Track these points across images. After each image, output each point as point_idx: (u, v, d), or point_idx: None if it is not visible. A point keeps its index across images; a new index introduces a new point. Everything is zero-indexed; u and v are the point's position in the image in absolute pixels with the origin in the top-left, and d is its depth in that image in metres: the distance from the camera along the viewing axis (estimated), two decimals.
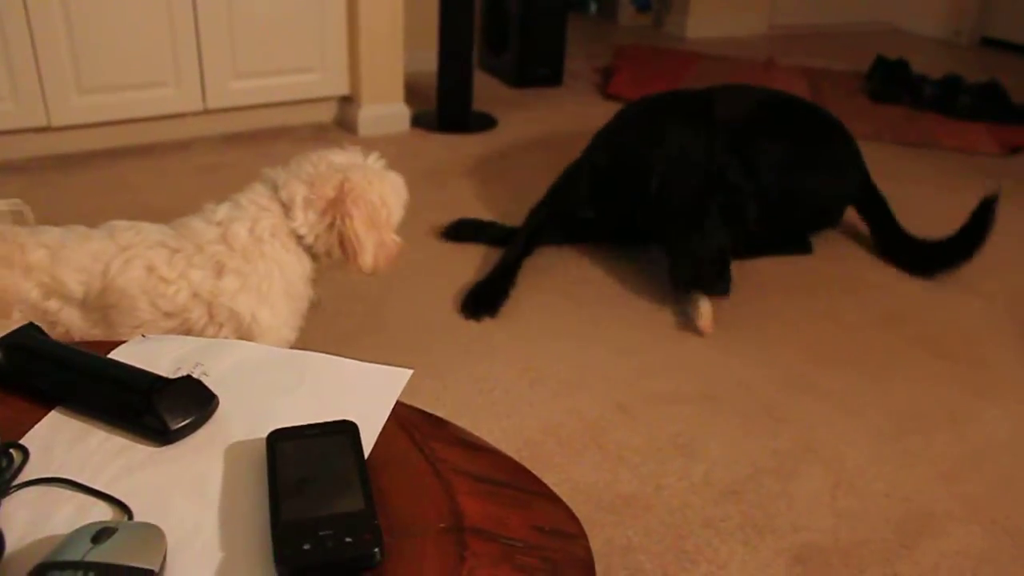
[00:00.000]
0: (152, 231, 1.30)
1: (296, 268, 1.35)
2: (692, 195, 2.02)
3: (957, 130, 3.45)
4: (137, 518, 0.62)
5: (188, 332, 1.28)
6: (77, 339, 1.26)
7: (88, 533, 0.57)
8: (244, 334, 1.30)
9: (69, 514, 0.62)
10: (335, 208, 1.31)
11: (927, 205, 2.75)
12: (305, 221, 1.32)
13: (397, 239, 1.40)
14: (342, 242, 1.33)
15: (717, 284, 1.97)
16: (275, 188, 1.34)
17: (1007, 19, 4.92)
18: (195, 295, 1.27)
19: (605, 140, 2.36)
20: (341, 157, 1.37)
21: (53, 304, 1.26)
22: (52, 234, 1.28)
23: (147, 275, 1.26)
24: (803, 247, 2.41)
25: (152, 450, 0.69)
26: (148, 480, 0.66)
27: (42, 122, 2.60)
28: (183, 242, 1.29)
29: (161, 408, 0.70)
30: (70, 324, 1.27)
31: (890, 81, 3.83)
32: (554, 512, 0.76)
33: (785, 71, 4.21)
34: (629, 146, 2.22)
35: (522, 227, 2.32)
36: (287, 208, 1.33)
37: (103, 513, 0.63)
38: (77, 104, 2.64)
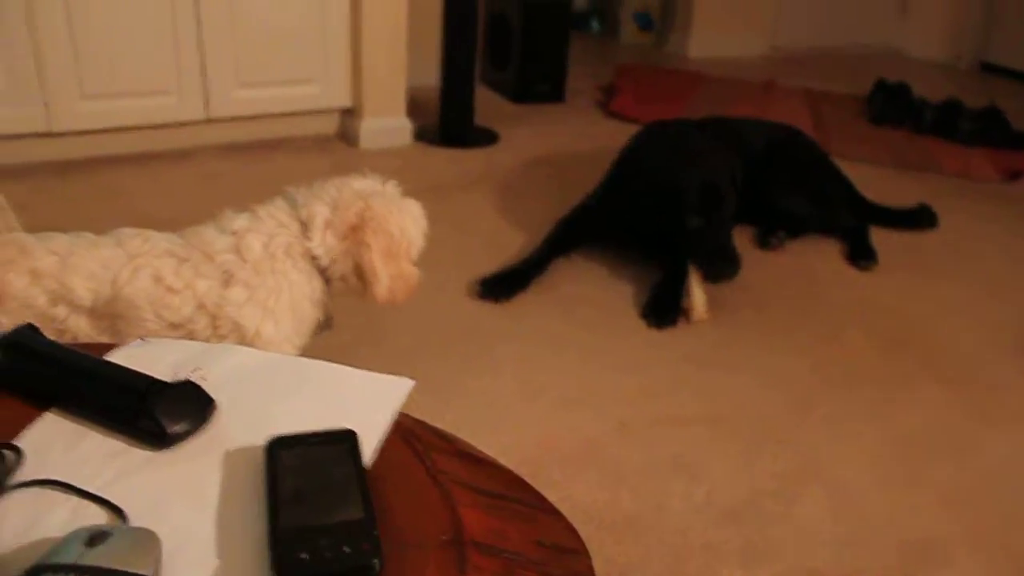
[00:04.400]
0: (160, 240, 1.29)
1: (304, 288, 1.33)
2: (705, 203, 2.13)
3: (957, 154, 3.46)
4: (132, 522, 0.61)
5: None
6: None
7: (82, 536, 0.56)
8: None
9: (63, 517, 0.61)
10: (355, 235, 1.30)
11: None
12: (322, 243, 1.31)
13: (415, 271, 1.39)
14: (359, 271, 1.32)
15: (731, 266, 2.10)
16: (295, 206, 1.34)
17: (1006, 45, 4.94)
18: (200, 306, 1.26)
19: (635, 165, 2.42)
20: (362, 184, 1.36)
21: (61, 311, 1.24)
22: (60, 240, 1.27)
23: (154, 285, 1.24)
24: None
25: (149, 454, 0.68)
26: (144, 484, 0.65)
27: (43, 127, 2.60)
28: (191, 251, 1.28)
29: (158, 411, 0.69)
30: (78, 331, 1.26)
31: (891, 105, 3.84)
32: (555, 527, 0.74)
33: (786, 93, 4.22)
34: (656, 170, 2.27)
35: (553, 229, 2.40)
36: (305, 227, 1.32)
37: (98, 517, 0.61)
38: (79, 110, 2.63)
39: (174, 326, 1.26)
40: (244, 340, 1.28)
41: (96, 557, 0.54)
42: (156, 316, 1.25)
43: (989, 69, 5.04)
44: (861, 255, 2.50)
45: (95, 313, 1.25)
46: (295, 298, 1.31)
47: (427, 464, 0.72)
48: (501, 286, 2.16)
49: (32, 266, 1.23)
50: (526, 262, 2.26)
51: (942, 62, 5.24)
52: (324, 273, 1.34)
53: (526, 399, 1.76)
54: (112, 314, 1.24)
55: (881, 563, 1.41)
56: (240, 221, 1.31)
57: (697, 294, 2.10)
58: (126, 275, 1.24)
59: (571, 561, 0.71)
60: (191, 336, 1.27)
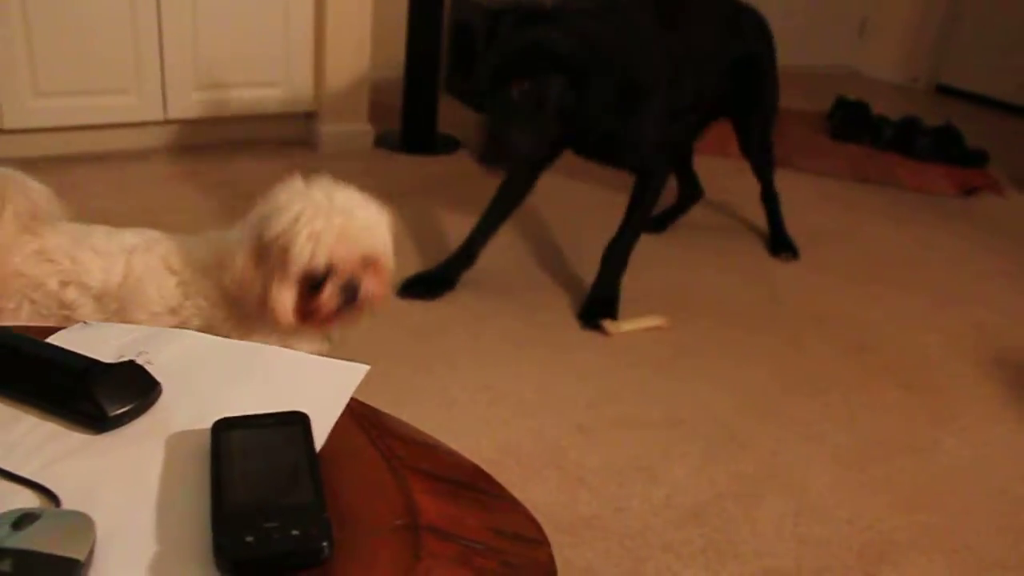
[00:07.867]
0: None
1: None
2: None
3: (915, 170, 3.51)
4: (65, 506, 0.57)
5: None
6: None
7: (8, 519, 0.52)
8: None
9: None
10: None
11: (885, 236, 2.79)
12: None
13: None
14: None
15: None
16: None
17: (961, 68, 5.05)
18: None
19: None
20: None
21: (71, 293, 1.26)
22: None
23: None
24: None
25: (87, 437, 0.64)
26: (80, 468, 0.61)
27: None
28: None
29: (98, 393, 0.66)
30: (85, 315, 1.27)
31: (851, 121, 3.89)
32: (515, 516, 0.72)
33: None
34: None
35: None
36: None
37: (28, 501, 0.58)
38: (32, 107, 2.56)
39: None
40: None
41: (23, 540, 0.51)
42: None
43: (944, 91, 5.15)
44: (781, 247, 2.54)
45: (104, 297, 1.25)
46: None
47: (382, 449, 0.70)
48: (425, 282, 2.14)
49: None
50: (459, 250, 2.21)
51: (899, 83, 5.33)
52: None
53: (484, 402, 1.74)
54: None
55: (842, 564, 1.40)
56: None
57: (607, 324, 2.06)
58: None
59: (531, 550, 0.68)
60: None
